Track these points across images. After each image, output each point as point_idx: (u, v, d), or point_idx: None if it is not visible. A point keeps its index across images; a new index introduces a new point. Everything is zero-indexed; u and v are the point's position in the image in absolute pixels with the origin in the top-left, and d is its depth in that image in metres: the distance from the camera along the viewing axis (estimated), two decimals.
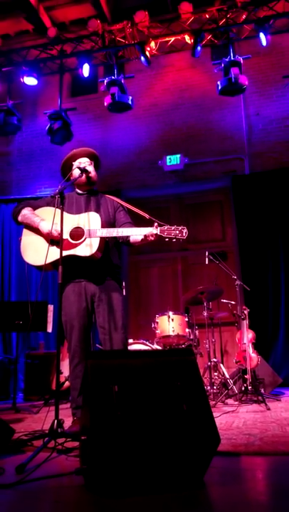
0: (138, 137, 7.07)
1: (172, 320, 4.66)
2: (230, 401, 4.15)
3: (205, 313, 4.67)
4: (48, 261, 2.66)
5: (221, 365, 4.75)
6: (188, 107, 6.99)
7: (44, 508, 1.55)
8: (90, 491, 1.60)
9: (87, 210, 2.86)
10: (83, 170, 2.85)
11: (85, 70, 6.23)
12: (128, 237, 2.80)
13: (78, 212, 2.84)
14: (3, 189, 7.44)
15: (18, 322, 4.29)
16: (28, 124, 7.43)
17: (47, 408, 3.92)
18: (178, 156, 6.68)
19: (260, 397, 3.86)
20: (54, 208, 2.56)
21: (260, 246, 6.09)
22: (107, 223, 2.83)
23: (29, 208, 2.92)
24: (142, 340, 4.73)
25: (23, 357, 5.65)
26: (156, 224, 2.57)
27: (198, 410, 1.71)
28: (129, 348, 4.35)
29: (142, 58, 6.15)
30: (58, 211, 2.54)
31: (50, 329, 4.80)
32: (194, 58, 6.36)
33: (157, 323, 4.77)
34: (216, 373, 4.67)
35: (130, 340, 4.58)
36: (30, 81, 6.54)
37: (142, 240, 2.67)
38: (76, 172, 2.89)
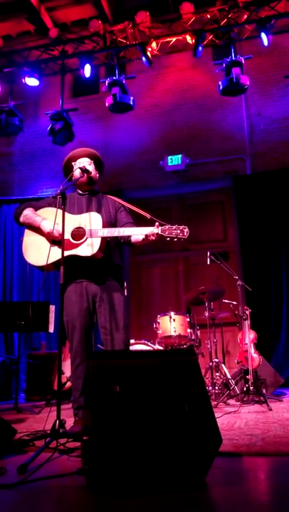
0: (139, 137, 7.07)
1: (174, 320, 4.66)
2: (232, 401, 4.15)
3: (206, 314, 4.67)
4: (50, 261, 2.66)
5: (223, 365, 4.74)
6: (190, 107, 6.99)
7: (46, 508, 1.55)
8: (91, 491, 1.60)
9: (88, 210, 2.86)
10: (84, 170, 2.85)
11: (87, 70, 6.24)
12: (129, 237, 2.80)
13: (80, 212, 2.84)
14: (5, 190, 7.45)
15: (20, 322, 4.30)
16: (30, 124, 7.44)
17: (49, 408, 3.92)
18: (179, 156, 6.68)
19: (261, 398, 3.85)
20: (56, 209, 2.57)
21: (261, 246, 6.08)
22: (109, 223, 2.83)
23: (31, 209, 2.92)
24: (143, 341, 4.73)
25: (25, 357, 5.66)
26: (157, 223, 2.58)
27: (200, 411, 1.71)
28: (131, 348, 4.35)
29: (144, 59, 6.15)
30: (60, 211, 2.55)
31: (51, 329, 4.81)
32: (196, 58, 6.35)
33: (159, 323, 4.77)
34: (217, 374, 4.67)
35: (132, 341, 4.57)
36: (32, 82, 6.54)
37: (143, 239, 2.66)
38: (77, 172, 2.90)
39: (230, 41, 5.99)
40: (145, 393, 1.71)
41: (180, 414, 1.68)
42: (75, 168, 2.95)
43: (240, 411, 3.58)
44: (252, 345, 4.49)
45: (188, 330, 4.71)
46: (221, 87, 5.85)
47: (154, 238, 2.58)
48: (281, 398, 4.31)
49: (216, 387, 4.38)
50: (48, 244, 2.71)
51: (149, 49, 6.19)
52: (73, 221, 2.77)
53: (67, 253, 2.61)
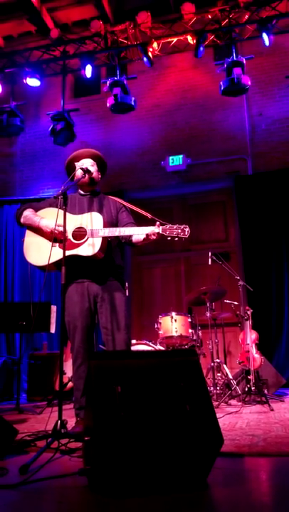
0: (141, 138, 7.08)
1: (175, 320, 4.66)
2: (233, 402, 4.14)
3: (208, 314, 4.66)
4: (51, 261, 2.67)
5: (224, 365, 4.74)
6: (191, 108, 6.99)
7: (47, 508, 1.55)
8: (93, 491, 1.60)
9: (89, 210, 2.86)
10: (85, 171, 2.86)
11: (88, 71, 6.24)
12: (131, 236, 2.81)
13: (81, 212, 2.85)
14: (7, 190, 7.46)
15: (21, 323, 4.30)
16: (31, 125, 7.45)
17: (50, 409, 3.93)
18: (180, 156, 6.68)
19: (263, 398, 3.85)
20: (57, 209, 2.57)
21: (263, 246, 6.08)
22: (110, 223, 2.83)
23: (31, 210, 2.93)
24: (144, 341, 4.73)
25: (27, 357, 5.66)
26: (158, 223, 2.58)
27: (202, 411, 1.71)
28: (132, 348, 4.35)
29: (145, 59, 6.15)
30: (61, 212, 2.55)
31: (53, 330, 4.81)
32: (197, 59, 6.35)
33: (160, 323, 4.77)
34: (219, 374, 4.66)
35: (133, 341, 4.57)
36: (33, 82, 6.55)
37: (144, 239, 2.66)
38: (79, 173, 2.90)
39: (231, 41, 5.99)
40: (147, 393, 1.71)
41: (181, 414, 1.68)
42: (77, 168, 2.96)
43: (242, 411, 3.57)
44: (253, 345, 4.48)
45: (190, 330, 4.71)
46: (222, 88, 5.84)
47: (154, 238, 2.59)
48: (283, 398, 4.31)
49: (218, 388, 4.37)
50: (49, 244, 2.72)
51: (150, 49, 6.19)
52: (74, 221, 2.77)
53: (68, 253, 2.62)
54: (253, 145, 6.60)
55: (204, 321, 4.89)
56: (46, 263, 2.63)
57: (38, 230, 2.83)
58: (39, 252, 2.80)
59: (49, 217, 2.80)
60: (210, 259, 4.86)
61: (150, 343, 4.69)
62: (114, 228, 2.74)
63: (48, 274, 2.80)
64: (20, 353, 4.82)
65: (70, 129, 6.48)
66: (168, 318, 4.70)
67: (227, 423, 3.00)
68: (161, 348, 4.72)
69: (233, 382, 4.39)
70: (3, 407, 4.46)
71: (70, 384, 4.42)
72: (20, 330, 4.36)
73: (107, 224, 2.78)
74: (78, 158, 3.03)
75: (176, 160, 6.69)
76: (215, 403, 3.86)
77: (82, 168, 2.86)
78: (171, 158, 6.70)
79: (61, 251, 2.52)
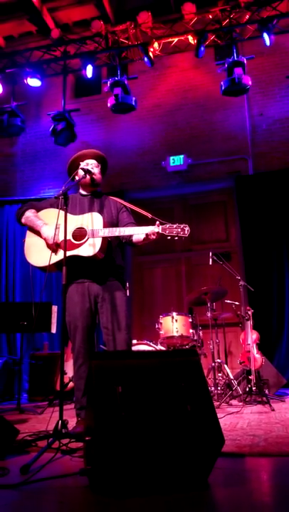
0: (141, 138, 7.08)
1: (176, 321, 4.66)
2: (234, 402, 4.14)
3: (209, 314, 4.66)
4: (52, 262, 2.67)
5: (225, 365, 4.74)
6: (192, 108, 6.99)
7: (48, 508, 1.55)
8: (94, 491, 1.60)
9: (90, 211, 2.86)
10: (87, 171, 2.85)
11: (89, 71, 6.24)
12: (131, 236, 2.80)
13: (81, 212, 2.85)
14: (8, 190, 7.47)
15: (22, 323, 4.30)
16: (32, 125, 7.45)
17: (51, 409, 3.93)
18: (181, 156, 6.68)
19: (264, 398, 3.85)
20: (57, 210, 2.57)
21: (264, 246, 6.08)
22: (110, 224, 2.83)
23: (32, 210, 2.92)
24: (145, 341, 4.73)
25: (28, 358, 5.67)
26: (158, 222, 2.58)
27: (203, 411, 1.71)
28: (133, 348, 4.35)
29: (145, 59, 6.15)
30: (62, 213, 2.55)
31: (54, 330, 4.81)
32: (197, 59, 6.35)
33: (161, 323, 4.77)
34: (220, 374, 4.66)
35: (134, 341, 4.57)
36: (34, 82, 6.55)
37: (144, 239, 2.67)
38: (80, 173, 2.89)
39: (232, 41, 5.98)
40: (147, 394, 1.71)
41: (182, 414, 1.68)
42: (79, 168, 2.95)
43: (243, 411, 3.57)
44: (254, 345, 4.48)
45: (191, 330, 4.71)
46: (223, 88, 5.84)
47: (154, 237, 2.59)
48: (284, 398, 4.31)
49: (219, 388, 4.37)
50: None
51: (151, 49, 6.19)
52: (75, 221, 2.77)
53: (69, 253, 2.62)
54: (253, 145, 6.59)
55: (205, 321, 4.89)
56: (47, 264, 2.64)
57: (38, 232, 2.83)
58: (40, 252, 2.80)
59: (50, 219, 2.80)
60: (211, 259, 4.85)
61: (151, 343, 4.69)
62: (114, 228, 2.74)
63: (49, 274, 2.80)
64: (21, 353, 4.82)
65: (70, 129, 6.48)
66: (169, 318, 4.71)
67: (228, 423, 3.00)
68: (162, 348, 4.72)
69: (234, 383, 4.39)
70: (4, 407, 4.46)
71: (71, 384, 4.42)
72: (22, 330, 4.36)
73: (108, 224, 2.78)
74: (82, 158, 3.01)
75: (176, 160, 6.69)
76: (216, 403, 3.86)
77: (83, 169, 2.86)
78: (172, 158, 6.70)
79: (62, 251, 2.52)
